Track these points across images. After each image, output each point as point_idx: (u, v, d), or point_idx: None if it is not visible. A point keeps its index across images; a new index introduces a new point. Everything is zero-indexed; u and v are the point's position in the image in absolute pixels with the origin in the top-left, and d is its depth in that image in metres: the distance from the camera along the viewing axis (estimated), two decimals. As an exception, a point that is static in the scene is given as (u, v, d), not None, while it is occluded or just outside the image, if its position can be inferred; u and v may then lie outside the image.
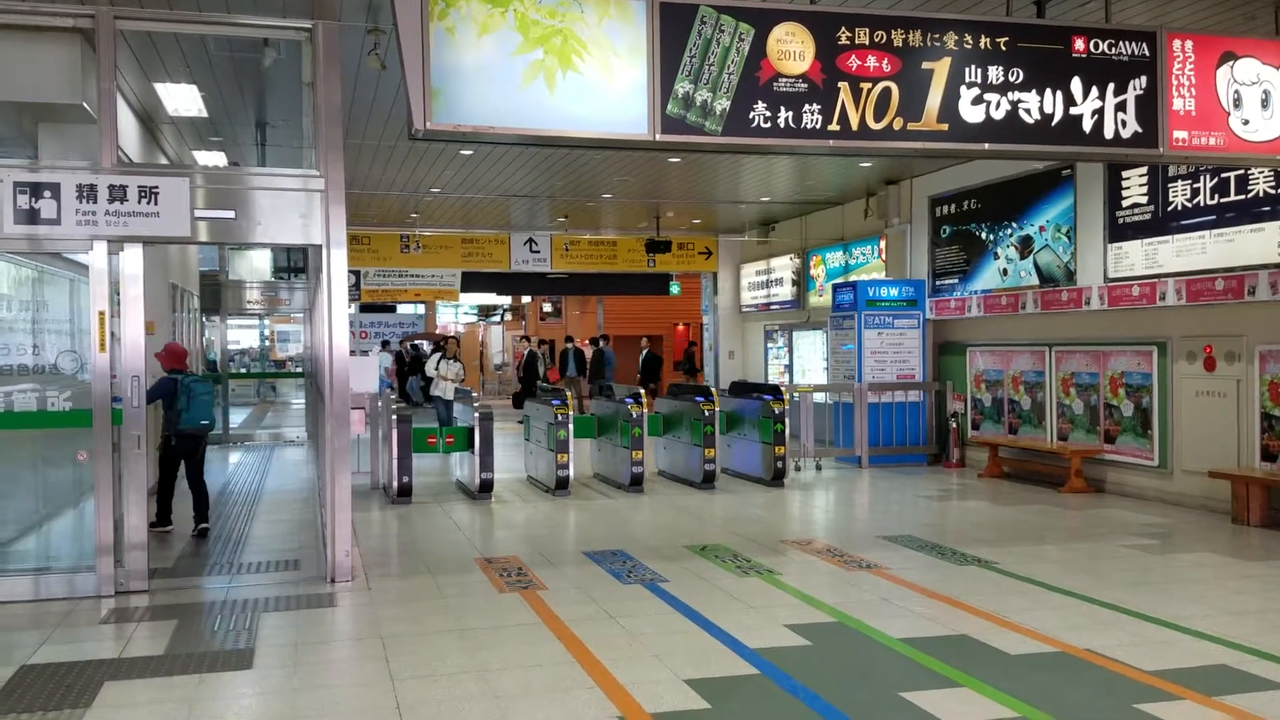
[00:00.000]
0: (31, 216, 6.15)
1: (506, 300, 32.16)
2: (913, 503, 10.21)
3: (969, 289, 12.57)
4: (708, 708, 4.39)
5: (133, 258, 6.44)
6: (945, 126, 6.35)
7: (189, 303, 13.36)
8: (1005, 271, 11.96)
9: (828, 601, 6.16)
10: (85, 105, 6.90)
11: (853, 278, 14.96)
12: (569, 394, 11.01)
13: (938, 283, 13.22)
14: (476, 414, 10.27)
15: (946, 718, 4.25)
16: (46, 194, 6.16)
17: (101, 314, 6.32)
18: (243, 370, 23.20)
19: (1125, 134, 6.67)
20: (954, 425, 12.69)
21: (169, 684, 4.77)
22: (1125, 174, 10.19)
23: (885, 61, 6.20)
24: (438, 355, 14.84)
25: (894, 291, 13.22)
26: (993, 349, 12.27)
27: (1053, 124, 6.53)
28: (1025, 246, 11.63)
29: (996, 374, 12.19)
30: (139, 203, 6.28)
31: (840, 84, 6.11)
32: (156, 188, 6.33)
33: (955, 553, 7.55)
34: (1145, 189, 9.96)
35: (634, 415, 10.54)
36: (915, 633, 5.47)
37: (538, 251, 18.33)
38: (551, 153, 12.01)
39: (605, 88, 5.80)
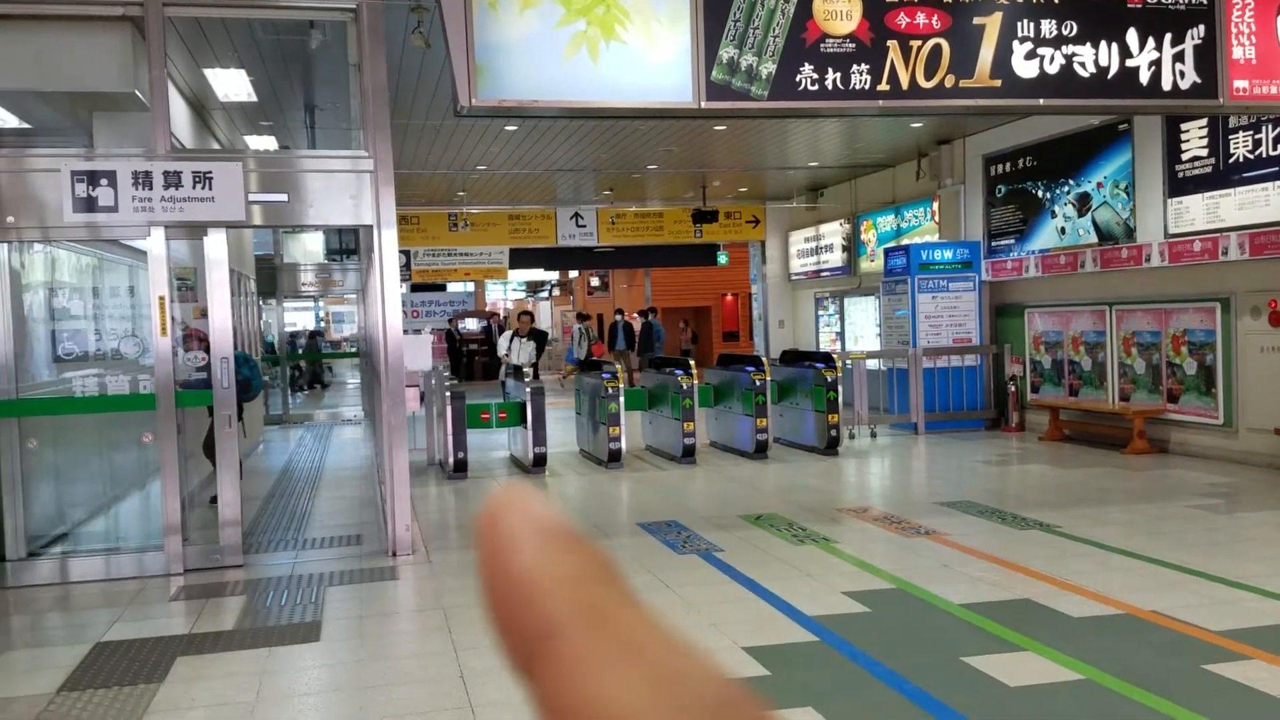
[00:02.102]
0: (90, 205, 6.27)
1: (554, 275, 32.25)
2: (971, 468, 10.10)
3: (1026, 249, 12.34)
4: (768, 674, 4.40)
5: (216, 243, 6.56)
6: (998, 83, 6.22)
7: (246, 286, 13.57)
8: (1063, 230, 11.72)
9: (886, 568, 6.12)
10: (137, 93, 7.00)
11: (905, 241, 14.75)
12: (619, 367, 11.03)
13: (993, 244, 12.99)
14: (528, 389, 10.34)
15: (1010, 681, 4.21)
16: (103, 182, 6.28)
17: (161, 299, 6.44)
18: (299, 351, 23.53)
19: (1184, 85, 6.47)
20: (1013, 389, 12.50)
21: (239, 657, 4.88)
22: (1184, 126, 9.91)
23: (935, 18, 6.07)
24: (509, 334, 12.69)
25: (948, 254, 13.02)
26: (1052, 310, 12.05)
27: (1109, 77, 6.37)
28: (1083, 204, 11.38)
29: (1056, 335, 11.98)
30: (194, 188, 6.37)
31: (889, 43, 6.00)
32: (210, 172, 6.42)
33: (1015, 517, 7.47)
34: (1205, 141, 9.68)
35: (684, 387, 10.53)
36: (976, 598, 5.43)
37: (584, 226, 18.30)
38: (596, 125, 11.98)
39: (649, 56, 5.76)
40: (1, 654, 5.11)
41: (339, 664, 4.83)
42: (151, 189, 6.31)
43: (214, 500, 8.44)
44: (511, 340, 12.34)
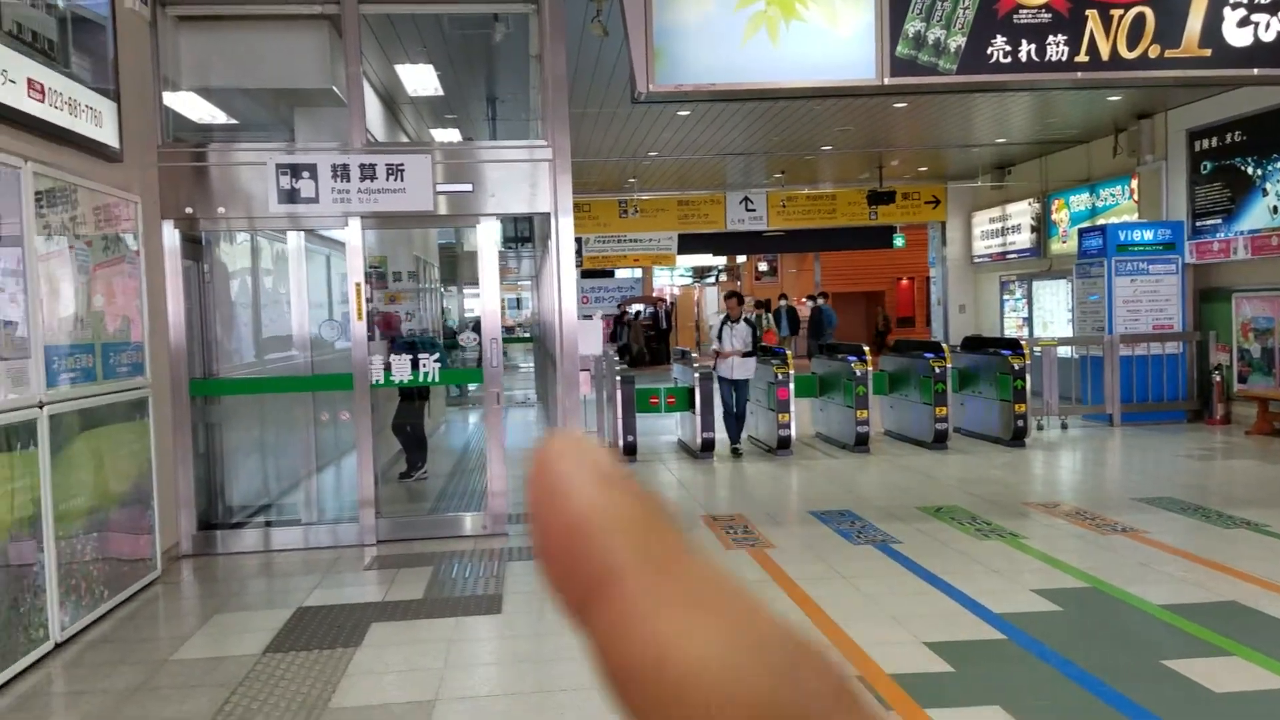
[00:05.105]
0: (292, 196, 6.65)
1: (721, 261, 32.16)
2: (1171, 462, 9.49)
3: (1234, 229, 11.46)
4: (951, 671, 4.26)
5: (488, 231, 6.92)
6: (1208, 52, 5.78)
7: (430, 274, 14.12)
8: (1275, 209, 10.82)
9: (1078, 566, 5.83)
10: (335, 89, 7.37)
11: (1101, 221, 13.96)
12: (789, 353, 10.88)
13: (1198, 224, 12.13)
14: (696, 374, 10.35)
15: (1216, 688, 3.94)
16: (305, 174, 6.65)
17: (358, 285, 6.77)
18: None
19: None
20: (1217, 379, 11.66)
21: (429, 626, 5.11)
22: None
23: (1138, -16, 5.69)
24: (721, 318, 11.10)
25: (1148, 235, 12.24)
26: (1262, 294, 11.16)
27: (1337, 39, 5.82)
28: (1300, 180, 10.47)
29: (1266, 322, 11.09)
30: (387, 180, 6.66)
31: (1088, 12, 5.67)
32: (402, 165, 6.70)
33: (1220, 515, 6.97)
34: None
35: (858, 374, 10.32)
36: (1176, 598, 5.10)
37: (753, 210, 18.15)
38: (769, 107, 11.84)
39: (830, 34, 5.63)
40: (213, 616, 5.51)
41: (520, 636, 4.98)
42: (349, 181, 6.64)
43: (403, 476, 8.88)
44: (723, 326, 10.89)
